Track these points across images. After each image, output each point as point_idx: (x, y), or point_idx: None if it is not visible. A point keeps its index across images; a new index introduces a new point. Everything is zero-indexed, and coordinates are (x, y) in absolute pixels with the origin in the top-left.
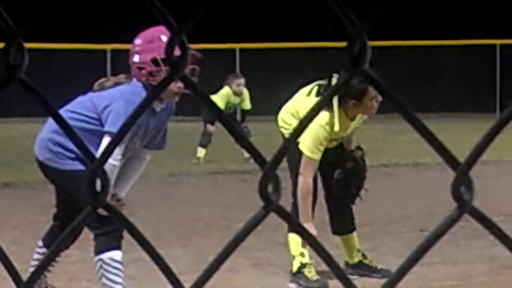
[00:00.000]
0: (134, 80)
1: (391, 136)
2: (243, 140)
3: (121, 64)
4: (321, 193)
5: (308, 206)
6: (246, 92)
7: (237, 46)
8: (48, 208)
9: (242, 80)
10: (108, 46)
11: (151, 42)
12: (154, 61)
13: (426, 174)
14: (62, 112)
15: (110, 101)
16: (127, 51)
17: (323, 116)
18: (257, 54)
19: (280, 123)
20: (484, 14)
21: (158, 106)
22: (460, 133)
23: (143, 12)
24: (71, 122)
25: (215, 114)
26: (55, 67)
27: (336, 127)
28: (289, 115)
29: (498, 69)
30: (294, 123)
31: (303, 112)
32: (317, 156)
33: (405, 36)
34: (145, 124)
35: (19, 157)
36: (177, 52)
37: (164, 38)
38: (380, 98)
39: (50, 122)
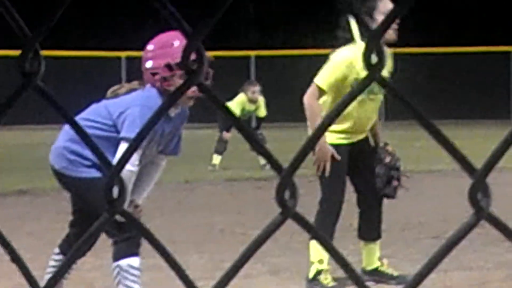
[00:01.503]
0: (148, 85)
1: (406, 143)
2: (259, 146)
3: (136, 71)
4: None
5: (316, 115)
6: (261, 99)
7: (252, 53)
8: (63, 215)
9: (257, 87)
10: (123, 54)
11: (163, 47)
12: (168, 66)
13: (442, 181)
14: (77, 119)
15: (126, 107)
16: (141, 58)
17: (343, 51)
18: (272, 61)
19: None
20: (498, 21)
21: (172, 111)
22: (474, 139)
23: (157, 18)
24: (86, 130)
25: (231, 121)
26: (70, 74)
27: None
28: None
29: None
30: None
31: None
32: (325, 86)
33: (418, 43)
34: (160, 130)
35: (34, 164)
36: (192, 57)
37: (177, 43)
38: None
39: (65, 130)
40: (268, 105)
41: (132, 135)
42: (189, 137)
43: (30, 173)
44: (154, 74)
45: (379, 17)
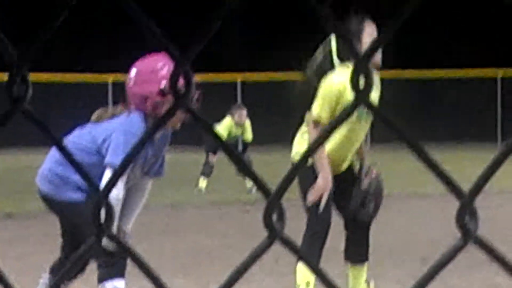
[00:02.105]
0: (133, 110)
1: (392, 165)
2: (247, 170)
3: (123, 95)
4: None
5: (323, 164)
6: (247, 123)
7: (238, 77)
8: (50, 238)
9: (244, 111)
10: (109, 77)
11: (152, 72)
12: (161, 92)
13: (428, 203)
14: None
15: (109, 133)
16: (125, 82)
17: (333, 77)
18: (258, 85)
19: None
20: (485, 46)
21: (156, 133)
22: (461, 163)
23: (144, 43)
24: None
25: (218, 144)
26: (56, 98)
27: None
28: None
29: (499, 100)
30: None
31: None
32: (324, 114)
33: (405, 66)
34: (145, 153)
35: (21, 187)
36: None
37: (165, 68)
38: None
39: (51, 154)
40: (254, 129)
41: (116, 160)
42: (176, 160)
43: (16, 196)
44: (145, 100)
45: (367, 39)
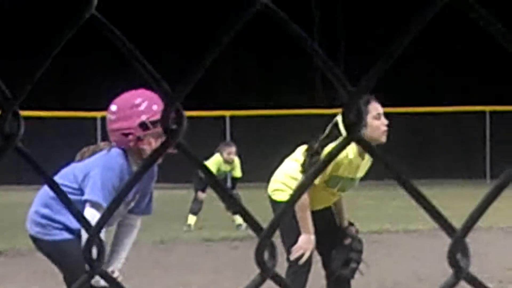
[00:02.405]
0: (114, 146)
1: (382, 202)
2: (238, 206)
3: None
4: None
5: (306, 218)
6: (237, 160)
7: (227, 113)
8: (39, 275)
9: (233, 149)
10: (98, 114)
11: (131, 107)
12: (142, 125)
13: (418, 240)
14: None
15: (88, 170)
16: (106, 120)
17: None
18: (247, 121)
19: (279, 186)
20: (474, 82)
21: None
22: (450, 199)
23: (133, 79)
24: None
25: (209, 181)
26: (45, 135)
27: (350, 155)
28: (288, 178)
29: (488, 136)
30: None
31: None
32: (316, 182)
33: (393, 103)
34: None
35: (11, 224)
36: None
37: (144, 102)
38: (385, 121)
39: (39, 195)
40: (243, 165)
41: (94, 197)
42: (164, 197)
43: (6, 233)
44: (126, 135)
45: (373, 122)
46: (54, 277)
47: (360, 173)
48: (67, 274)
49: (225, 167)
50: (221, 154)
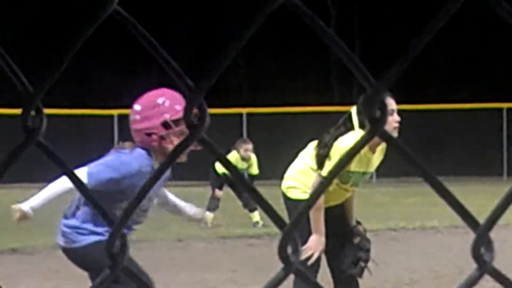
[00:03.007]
0: (137, 147)
1: (398, 199)
2: (262, 202)
3: (128, 129)
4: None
5: (319, 219)
6: (253, 157)
7: (243, 110)
8: (54, 274)
9: (250, 146)
10: (115, 112)
11: (154, 107)
12: (165, 125)
13: (434, 238)
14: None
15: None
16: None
17: (346, 138)
18: (264, 118)
19: (293, 183)
20: (490, 78)
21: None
22: (467, 196)
23: (149, 76)
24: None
25: (232, 176)
26: (62, 132)
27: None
28: (301, 174)
29: (505, 133)
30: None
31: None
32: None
33: (409, 100)
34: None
35: (26, 223)
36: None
37: (167, 102)
38: (397, 117)
39: (63, 210)
40: (260, 163)
41: (89, 169)
42: (182, 194)
43: (22, 232)
44: (149, 135)
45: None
46: (67, 276)
47: (372, 168)
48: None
49: (242, 164)
50: (238, 151)
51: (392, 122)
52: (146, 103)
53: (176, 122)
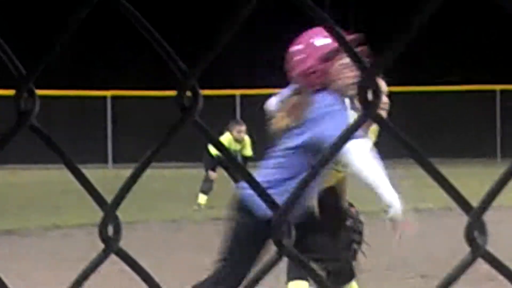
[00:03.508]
0: (314, 91)
1: (392, 181)
2: (254, 184)
3: (122, 111)
4: None
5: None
6: (247, 139)
7: (237, 92)
8: (49, 255)
9: (243, 127)
10: (108, 93)
11: (310, 46)
12: (322, 59)
13: (428, 220)
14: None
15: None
16: (127, 97)
17: None
18: (258, 99)
19: None
20: (484, 60)
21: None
22: (461, 178)
23: (142, 59)
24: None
25: (225, 157)
26: (55, 114)
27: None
28: None
29: (498, 115)
30: None
31: None
32: None
33: (403, 82)
34: None
35: (22, 204)
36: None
37: (316, 38)
38: (385, 99)
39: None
40: (254, 144)
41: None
42: (175, 176)
43: (16, 212)
44: (310, 73)
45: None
46: (62, 258)
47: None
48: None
49: (235, 146)
50: (231, 133)
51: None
52: (305, 42)
53: (335, 52)
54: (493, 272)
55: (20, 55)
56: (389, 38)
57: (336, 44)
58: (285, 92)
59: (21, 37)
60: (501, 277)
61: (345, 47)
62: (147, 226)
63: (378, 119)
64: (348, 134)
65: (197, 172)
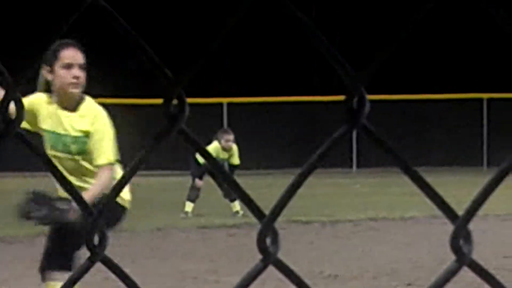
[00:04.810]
0: None
1: (379, 190)
2: (239, 192)
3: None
4: None
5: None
6: (235, 148)
7: (224, 100)
8: (37, 262)
9: (231, 136)
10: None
11: None
12: None
13: (414, 228)
14: None
15: None
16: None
17: None
18: (245, 108)
19: None
20: (471, 69)
21: None
22: (447, 186)
23: (125, 66)
24: None
25: (212, 167)
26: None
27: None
28: None
29: (485, 123)
30: None
31: None
32: None
33: (392, 90)
34: None
35: (7, 211)
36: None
37: None
38: (77, 72)
39: None
40: (241, 153)
41: None
42: (162, 184)
43: (3, 220)
44: None
45: (60, 71)
46: None
47: (69, 130)
48: None
49: (223, 155)
50: (219, 142)
51: (68, 76)
52: None
53: None
54: (479, 280)
55: (5, 62)
56: (375, 47)
57: None
58: None
59: (6, 44)
60: (486, 286)
61: (331, 57)
62: (133, 234)
63: (363, 128)
64: (337, 140)
65: (183, 180)
